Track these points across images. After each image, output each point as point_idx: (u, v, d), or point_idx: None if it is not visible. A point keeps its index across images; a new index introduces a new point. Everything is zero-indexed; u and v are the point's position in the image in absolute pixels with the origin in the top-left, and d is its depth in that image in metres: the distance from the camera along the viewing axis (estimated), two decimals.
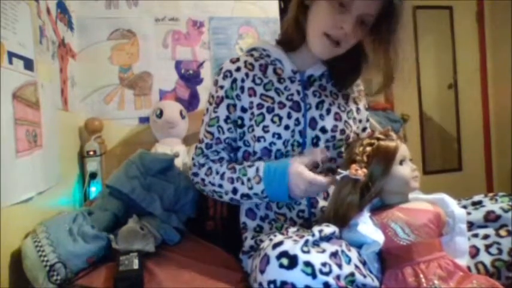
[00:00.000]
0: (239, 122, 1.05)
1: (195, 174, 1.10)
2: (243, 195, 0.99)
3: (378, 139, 0.95)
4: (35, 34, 1.16)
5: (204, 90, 1.92)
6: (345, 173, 0.87)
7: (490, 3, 3.23)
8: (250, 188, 0.97)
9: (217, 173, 1.03)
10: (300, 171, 0.91)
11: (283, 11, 1.98)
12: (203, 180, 1.06)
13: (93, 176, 1.62)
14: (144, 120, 1.84)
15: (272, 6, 2.00)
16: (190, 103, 1.91)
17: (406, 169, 0.93)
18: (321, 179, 0.91)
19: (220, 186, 1.02)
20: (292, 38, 1.05)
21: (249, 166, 0.99)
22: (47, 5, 1.33)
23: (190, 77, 1.92)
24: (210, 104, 1.08)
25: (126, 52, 1.83)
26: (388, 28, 0.93)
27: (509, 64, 3.02)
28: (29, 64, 1.09)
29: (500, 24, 3.10)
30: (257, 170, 0.97)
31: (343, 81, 1.09)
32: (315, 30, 0.98)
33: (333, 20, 0.93)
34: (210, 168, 1.05)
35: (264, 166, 0.97)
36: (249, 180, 0.97)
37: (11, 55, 0.98)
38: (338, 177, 0.88)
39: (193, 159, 1.11)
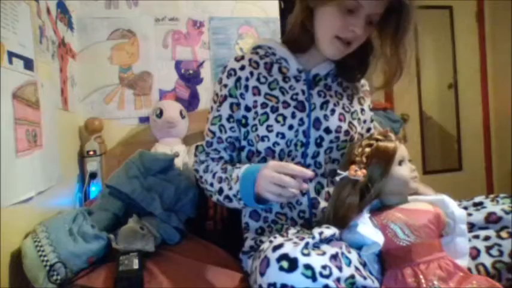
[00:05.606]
0: (243, 121, 1.05)
1: (196, 171, 1.10)
2: (225, 197, 0.97)
3: (377, 140, 0.95)
4: (35, 34, 1.16)
5: (204, 90, 1.92)
6: (344, 174, 0.87)
7: (490, 3, 3.23)
8: (230, 189, 0.95)
9: (211, 171, 1.03)
10: (269, 173, 0.85)
11: (283, 11, 1.98)
12: (201, 177, 1.07)
13: (93, 176, 1.63)
14: (144, 120, 1.84)
15: (272, 6, 2.00)
16: (190, 103, 1.91)
17: (405, 170, 0.93)
18: (289, 180, 0.82)
19: (212, 185, 1.02)
20: (299, 41, 1.04)
21: (238, 167, 0.96)
22: (47, 5, 1.33)
23: (190, 77, 1.92)
24: (214, 102, 1.08)
25: (126, 52, 1.83)
26: (398, 25, 0.94)
27: (509, 64, 3.02)
28: (29, 64, 1.09)
29: (500, 24, 3.10)
30: (240, 169, 0.94)
31: (353, 75, 1.09)
32: (325, 34, 0.98)
33: (343, 23, 0.93)
34: (208, 166, 1.06)
35: (247, 166, 0.94)
36: (231, 179, 0.95)
37: (11, 55, 0.98)
38: (337, 178, 0.88)
39: (196, 155, 1.12)
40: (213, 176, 1.01)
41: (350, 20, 0.93)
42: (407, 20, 0.93)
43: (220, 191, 0.98)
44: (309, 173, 0.83)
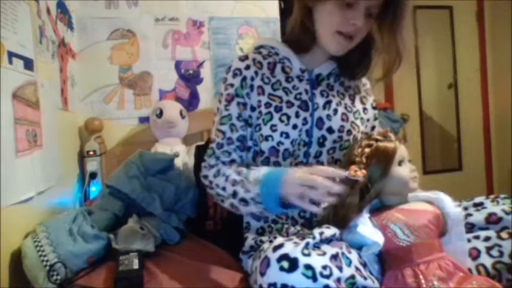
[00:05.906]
0: (249, 120, 1.04)
1: (205, 177, 1.06)
2: (241, 200, 0.94)
3: (377, 140, 0.95)
4: (35, 34, 1.16)
5: (204, 90, 1.92)
6: (344, 174, 0.87)
7: (490, 3, 3.23)
8: (247, 191, 0.93)
9: (223, 175, 1.00)
10: (300, 174, 0.83)
11: (283, 11, 1.98)
12: (211, 182, 1.03)
13: (93, 176, 1.63)
14: (144, 120, 1.84)
15: (272, 6, 2.00)
16: (190, 103, 1.91)
17: (405, 170, 0.93)
18: (315, 177, 0.80)
19: (224, 189, 0.99)
20: (301, 41, 1.04)
21: (255, 170, 0.95)
22: (47, 5, 1.33)
23: (190, 77, 1.92)
24: (220, 102, 1.06)
25: (126, 52, 1.83)
26: (395, 13, 0.94)
27: (509, 64, 3.02)
28: (29, 64, 1.09)
29: (500, 24, 3.10)
30: (260, 172, 0.93)
31: (355, 73, 1.08)
32: (326, 30, 0.98)
33: (343, 17, 0.94)
34: (219, 170, 1.02)
35: (267, 169, 0.93)
36: (249, 182, 0.93)
37: (11, 55, 0.98)
38: (337, 178, 0.88)
39: (204, 160, 1.08)
40: (226, 179, 0.98)
41: (349, 14, 0.93)
42: (404, 6, 0.93)
43: (235, 194, 0.95)
44: (342, 173, 0.81)
